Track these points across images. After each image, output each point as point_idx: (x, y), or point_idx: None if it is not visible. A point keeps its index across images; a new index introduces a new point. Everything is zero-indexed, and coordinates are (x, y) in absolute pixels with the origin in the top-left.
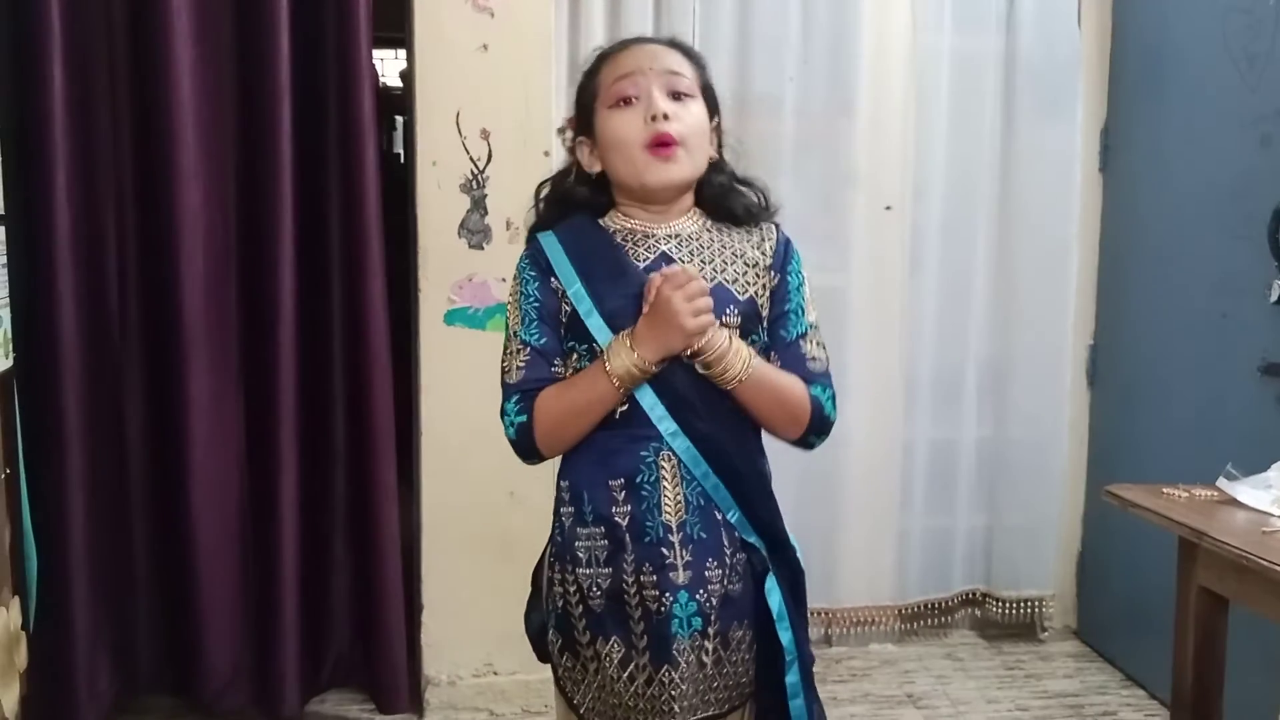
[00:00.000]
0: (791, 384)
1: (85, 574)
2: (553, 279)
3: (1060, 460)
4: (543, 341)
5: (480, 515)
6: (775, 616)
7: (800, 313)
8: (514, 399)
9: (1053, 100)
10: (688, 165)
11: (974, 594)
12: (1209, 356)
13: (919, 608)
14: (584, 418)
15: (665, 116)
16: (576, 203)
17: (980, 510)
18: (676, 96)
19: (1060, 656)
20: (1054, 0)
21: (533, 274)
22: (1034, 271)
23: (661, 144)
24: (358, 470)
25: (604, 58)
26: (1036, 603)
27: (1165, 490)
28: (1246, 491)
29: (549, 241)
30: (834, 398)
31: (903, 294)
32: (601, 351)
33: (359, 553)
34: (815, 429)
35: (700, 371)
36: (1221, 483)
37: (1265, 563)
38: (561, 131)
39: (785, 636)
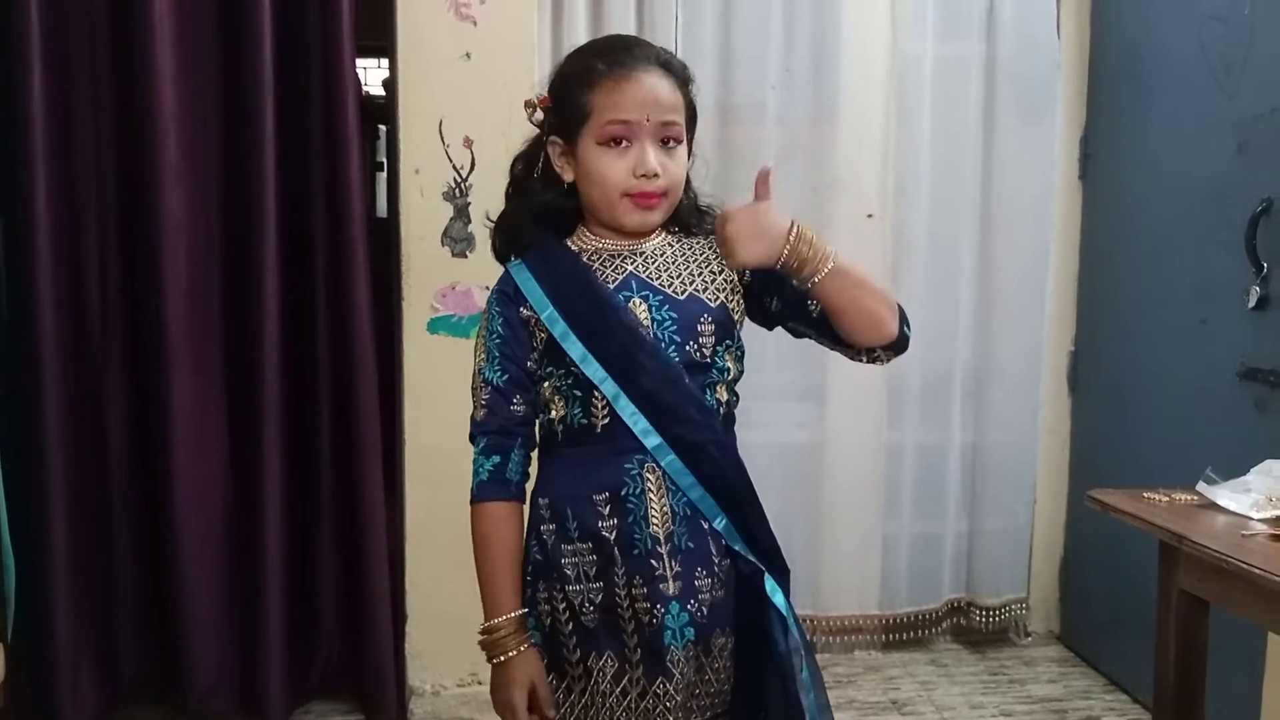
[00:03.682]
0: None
1: (67, 582)
2: (523, 307)
3: (1042, 466)
4: (504, 379)
5: (464, 524)
6: (785, 615)
7: None
8: (480, 444)
9: (1033, 107)
10: (665, 211)
11: (959, 602)
12: (1189, 361)
13: (906, 618)
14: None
15: (655, 175)
16: (546, 213)
17: (964, 516)
18: (666, 142)
19: (1044, 661)
20: (1034, 8)
21: (498, 309)
22: (1015, 278)
23: (643, 198)
24: (344, 477)
25: (602, 75)
26: (1019, 607)
27: (1146, 494)
28: (1226, 495)
29: (518, 271)
30: None
31: None
32: (578, 370)
33: (346, 561)
34: (903, 316)
35: (791, 269)
36: (1201, 487)
37: (1245, 565)
38: (530, 107)
39: (796, 631)
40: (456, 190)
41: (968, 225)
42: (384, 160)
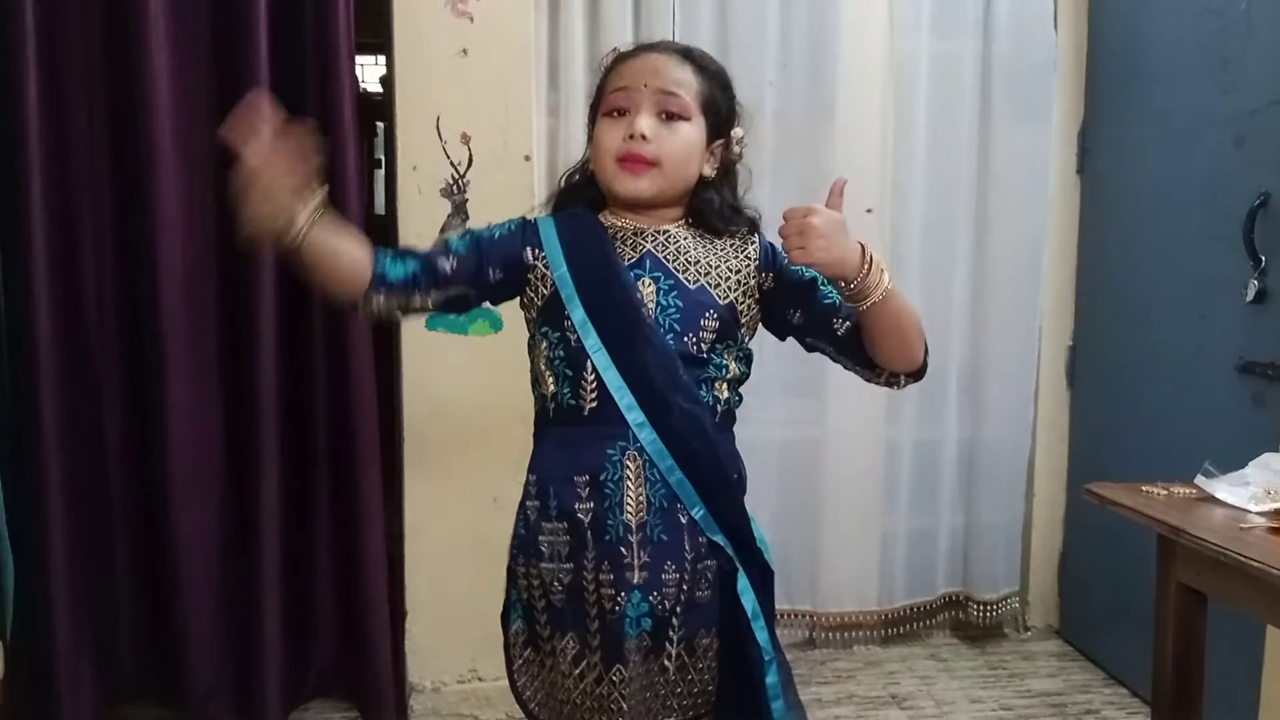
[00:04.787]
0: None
1: (66, 582)
2: (532, 250)
3: (1040, 460)
4: (460, 246)
5: (463, 521)
6: (750, 616)
7: (824, 281)
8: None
9: (1030, 103)
10: (658, 184)
11: (956, 596)
12: (1187, 356)
13: (904, 612)
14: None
15: (643, 138)
16: (580, 195)
17: (961, 511)
18: (668, 116)
19: (1043, 656)
20: (1031, 4)
21: (513, 227)
22: (1013, 273)
23: (631, 161)
24: (342, 476)
25: (617, 60)
26: (1014, 601)
27: (1144, 488)
28: (1224, 489)
29: (545, 225)
30: None
31: None
32: (574, 336)
33: (343, 560)
34: (924, 344)
35: (852, 292)
36: (1200, 480)
37: (1243, 559)
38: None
39: (762, 636)
40: (454, 187)
41: (964, 221)
42: (382, 157)
